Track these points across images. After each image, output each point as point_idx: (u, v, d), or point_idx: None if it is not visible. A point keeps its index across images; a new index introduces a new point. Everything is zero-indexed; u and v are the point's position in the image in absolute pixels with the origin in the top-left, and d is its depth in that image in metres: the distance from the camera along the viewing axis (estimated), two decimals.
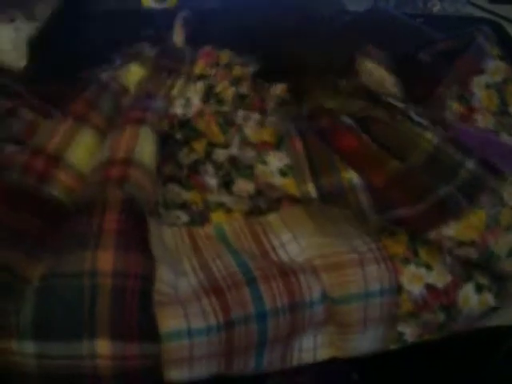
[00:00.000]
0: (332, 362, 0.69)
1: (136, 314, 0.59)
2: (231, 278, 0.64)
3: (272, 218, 0.72)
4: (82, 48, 0.85)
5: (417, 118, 0.75)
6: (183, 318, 0.60)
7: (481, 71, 0.80)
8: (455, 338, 0.72)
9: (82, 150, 0.72)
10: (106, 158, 0.70)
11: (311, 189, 0.70)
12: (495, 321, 0.72)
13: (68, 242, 0.63)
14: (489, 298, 0.69)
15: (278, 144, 0.73)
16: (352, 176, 0.70)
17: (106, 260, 0.60)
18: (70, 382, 0.58)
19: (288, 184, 0.71)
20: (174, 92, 0.78)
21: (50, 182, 0.69)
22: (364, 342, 0.68)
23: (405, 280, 0.67)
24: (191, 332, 0.60)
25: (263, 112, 0.77)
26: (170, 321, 0.60)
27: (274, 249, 0.69)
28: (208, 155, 0.76)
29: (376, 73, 0.78)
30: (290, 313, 0.64)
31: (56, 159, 0.70)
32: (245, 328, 0.62)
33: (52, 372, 0.57)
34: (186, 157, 0.76)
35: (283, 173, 0.71)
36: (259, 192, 0.74)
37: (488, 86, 0.79)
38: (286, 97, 0.78)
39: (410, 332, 0.69)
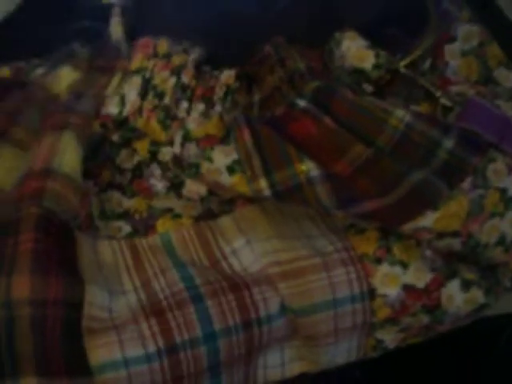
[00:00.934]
0: None
1: (59, 346, 0.52)
2: (174, 296, 0.56)
3: (224, 221, 0.65)
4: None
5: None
6: (117, 346, 0.52)
7: (452, 39, 0.71)
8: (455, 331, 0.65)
9: (2, 172, 0.64)
10: (24, 172, 0.62)
11: (264, 186, 0.61)
12: (494, 310, 0.65)
13: None
14: (478, 296, 0.61)
15: (224, 137, 0.64)
16: (309, 167, 0.61)
17: (21, 286, 0.52)
18: None
19: (237, 182, 0.63)
20: (108, 91, 0.69)
21: None
22: (338, 354, 0.61)
23: (378, 282, 0.59)
24: (127, 361, 0.52)
25: (209, 102, 0.68)
26: (101, 350, 0.52)
27: (225, 258, 0.62)
28: (153, 156, 0.68)
29: (353, 49, 0.69)
30: (245, 331, 0.56)
31: None
32: (191, 352, 0.54)
33: None
34: (127, 160, 0.68)
35: (231, 170, 0.63)
36: (211, 193, 0.66)
37: (464, 54, 0.70)
38: (234, 85, 0.70)
39: (390, 339, 0.61)
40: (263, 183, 0.61)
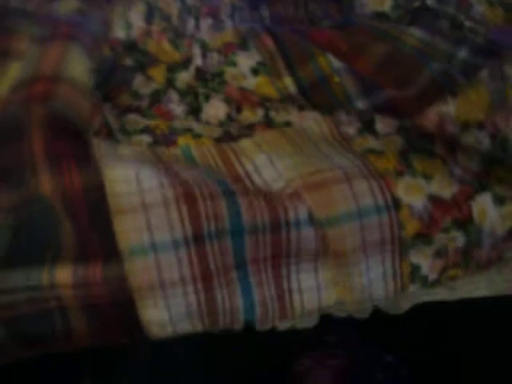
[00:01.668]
0: (362, 341, 0.63)
1: (89, 230, 0.51)
2: (207, 188, 0.55)
3: (244, 143, 0.63)
4: None
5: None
6: (145, 230, 0.52)
7: None
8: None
9: (8, 83, 0.60)
10: (28, 76, 0.59)
11: (289, 84, 0.62)
12: None
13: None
14: None
15: (243, 44, 0.64)
16: (331, 60, 0.62)
17: (45, 185, 0.52)
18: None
19: (262, 83, 0.63)
20: (113, 16, 0.68)
21: None
22: (372, 280, 0.58)
23: (401, 192, 0.58)
24: (155, 246, 0.51)
25: (216, 18, 0.68)
26: (129, 234, 0.51)
27: (247, 174, 0.60)
28: (169, 82, 0.67)
29: None
30: (272, 231, 0.55)
31: None
32: (218, 244, 0.53)
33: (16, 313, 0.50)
34: (143, 86, 0.67)
35: (255, 71, 0.63)
36: (230, 118, 0.66)
37: (491, 4, 0.70)
38: (239, 3, 0.70)
39: (427, 264, 0.59)
40: (288, 80, 0.62)
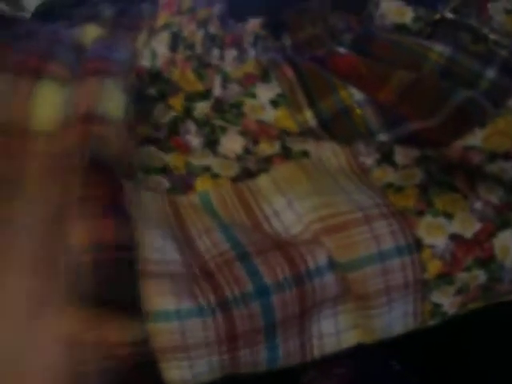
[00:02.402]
0: (369, 350, 0.61)
1: (115, 288, 0.52)
2: (221, 256, 0.56)
3: (263, 181, 0.63)
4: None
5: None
6: (171, 296, 0.52)
7: None
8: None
9: (48, 108, 0.62)
10: (70, 114, 0.61)
11: (309, 117, 0.61)
12: None
13: None
14: None
15: (264, 75, 0.64)
16: (353, 92, 0.61)
17: (80, 234, 0.53)
18: None
19: (282, 116, 0.62)
20: (138, 45, 0.68)
21: None
22: (393, 319, 0.58)
23: (423, 233, 0.57)
24: (180, 313, 0.52)
25: (240, 48, 0.68)
26: (155, 298, 0.52)
27: (267, 219, 0.60)
28: (187, 112, 0.67)
29: (393, 7, 0.70)
30: (296, 285, 0.55)
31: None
32: (246, 308, 0.53)
33: None
34: (163, 115, 0.67)
35: (275, 103, 0.62)
36: (247, 151, 0.65)
37: (508, 12, 0.69)
38: (262, 32, 0.69)
39: (448, 303, 0.58)
40: (308, 114, 0.61)
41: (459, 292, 0.58)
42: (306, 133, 0.63)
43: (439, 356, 0.65)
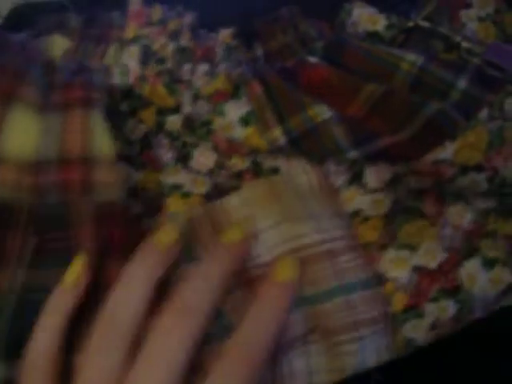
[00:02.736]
0: None
1: None
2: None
3: (233, 202, 0.62)
4: None
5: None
6: None
7: (467, 5, 0.69)
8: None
9: (20, 135, 0.59)
10: (56, 152, 0.58)
11: (278, 134, 0.61)
12: None
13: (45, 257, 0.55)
14: (504, 274, 0.57)
15: (234, 92, 0.63)
16: (321, 110, 0.60)
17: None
18: None
19: (251, 134, 0.61)
20: (107, 61, 0.67)
21: None
22: (366, 356, 0.57)
23: (384, 266, 0.57)
24: None
25: (211, 62, 0.67)
26: None
27: None
28: (159, 126, 0.66)
29: (365, 15, 0.68)
30: None
31: None
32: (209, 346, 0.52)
33: None
34: (134, 130, 0.66)
35: (245, 121, 0.62)
36: (219, 165, 0.65)
37: (481, 19, 0.68)
38: (233, 42, 0.69)
39: (422, 337, 0.57)
40: (277, 132, 0.60)
41: (432, 327, 0.57)
42: (275, 151, 0.62)
43: (421, 366, 0.63)
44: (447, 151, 0.57)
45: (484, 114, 0.59)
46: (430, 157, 0.58)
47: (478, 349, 0.63)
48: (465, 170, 0.58)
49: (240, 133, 0.62)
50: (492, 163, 0.57)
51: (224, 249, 0.53)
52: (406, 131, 0.58)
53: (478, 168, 0.57)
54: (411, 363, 0.62)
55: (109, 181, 0.57)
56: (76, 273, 0.52)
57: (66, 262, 0.54)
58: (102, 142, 0.59)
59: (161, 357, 0.46)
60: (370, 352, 0.57)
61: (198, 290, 0.49)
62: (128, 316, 0.48)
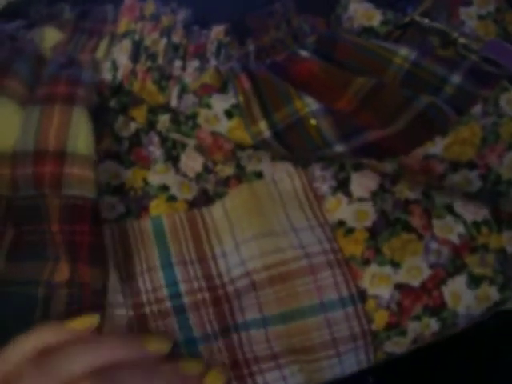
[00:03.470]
0: None
1: None
2: (157, 304, 0.56)
3: (216, 212, 0.62)
4: None
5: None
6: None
7: (467, 3, 0.68)
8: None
9: (3, 126, 0.59)
10: (33, 145, 0.59)
11: (263, 128, 0.59)
12: None
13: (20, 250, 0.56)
14: (491, 292, 0.55)
15: (222, 87, 0.62)
16: (308, 102, 0.59)
17: (62, 273, 0.55)
18: None
19: (236, 127, 0.60)
20: (98, 55, 0.67)
21: None
22: (345, 367, 0.56)
23: (366, 283, 0.56)
24: None
25: (203, 58, 0.66)
26: None
27: (214, 258, 0.60)
28: (151, 124, 0.66)
29: (361, 10, 0.67)
30: (224, 337, 0.56)
31: None
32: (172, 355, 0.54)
33: None
34: (124, 128, 0.66)
35: (229, 114, 0.61)
36: (207, 169, 0.64)
37: (481, 17, 0.67)
38: (225, 39, 0.68)
39: (401, 350, 0.57)
40: (262, 125, 0.59)
41: (414, 342, 0.56)
42: (260, 145, 0.61)
43: (414, 370, 0.64)
44: (437, 146, 0.56)
45: (478, 109, 0.57)
46: (420, 151, 0.56)
47: (471, 349, 0.63)
48: (456, 166, 0.56)
49: (224, 125, 0.61)
50: (485, 160, 0.56)
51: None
52: (396, 125, 0.57)
53: (471, 165, 0.56)
54: (406, 363, 0.61)
55: (81, 176, 0.57)
56: (86, 326, 0.52)
57: (39, 256, 0.54)
58: (79, 139, 0.59)
59: None
60: (349, 365, 0.56)
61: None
62: None
